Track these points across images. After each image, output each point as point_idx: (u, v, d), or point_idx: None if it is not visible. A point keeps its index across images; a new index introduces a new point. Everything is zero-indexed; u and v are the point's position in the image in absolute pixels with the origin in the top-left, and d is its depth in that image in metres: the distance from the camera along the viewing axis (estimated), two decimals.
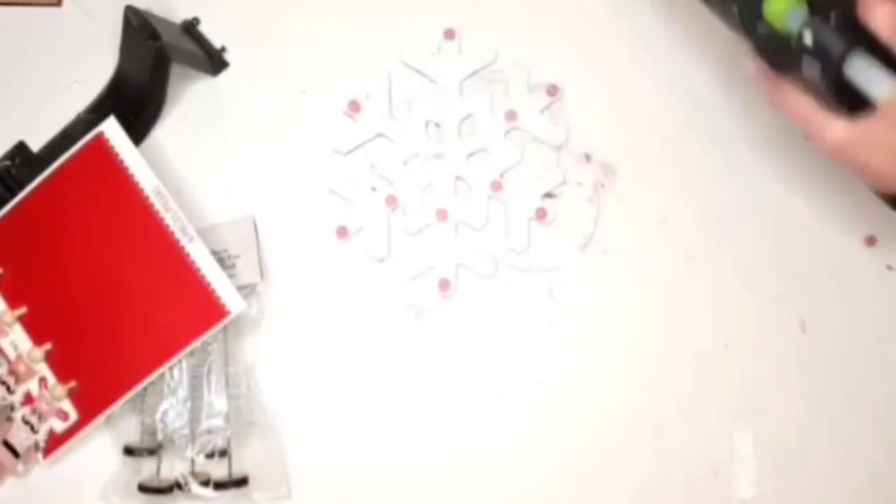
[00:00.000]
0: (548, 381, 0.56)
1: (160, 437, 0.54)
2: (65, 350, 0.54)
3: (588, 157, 0.58)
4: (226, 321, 0.53)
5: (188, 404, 0.54)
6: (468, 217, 0.57)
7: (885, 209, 0.57)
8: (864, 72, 0.41)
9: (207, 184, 0.58)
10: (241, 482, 0.53)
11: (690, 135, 0.57)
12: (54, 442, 0.54)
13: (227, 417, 0.54)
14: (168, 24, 0.58)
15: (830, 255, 0.56)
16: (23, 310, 0.55)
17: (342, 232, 0.57)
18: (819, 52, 0.41)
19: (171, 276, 0.53)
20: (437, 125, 0.58)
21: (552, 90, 0.58)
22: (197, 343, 0.53)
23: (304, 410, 0.56)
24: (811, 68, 0.42)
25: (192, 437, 0.53)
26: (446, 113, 0.58)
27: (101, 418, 0.54)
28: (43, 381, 0.54)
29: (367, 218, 0.57)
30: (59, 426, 0.54)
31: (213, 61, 0.59)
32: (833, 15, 0.41)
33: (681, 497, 0.54)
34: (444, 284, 0.56)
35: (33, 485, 0.55)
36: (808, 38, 0.41)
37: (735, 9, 0.44)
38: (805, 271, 0.56)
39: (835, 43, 0.41)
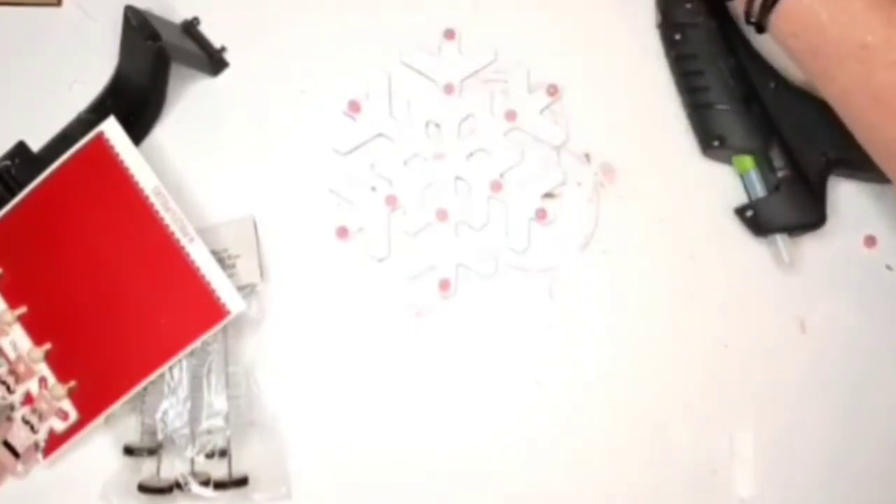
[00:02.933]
0: (547, 381, 0.56)
1: (160, 436, 0.54)
2: (65, 350, 0.54)
3: (588, 157, 0.58)
4: (226, 321, 0.53)
5: (188, 404, 0.54)
6: (468, 217, 0.57)
7: (885, 209, 0.57)
8: None
9: (207, 184, 0.58)
10: (241, 482, 0.53)
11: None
12: (54, 442, 0.54)
13: (227, 417, 0.54)
14: (168, 24, 0.58)
15: (830, 255, 0.56)
16: (23, 309, 0.55)
17: (342, 232, 0.57)
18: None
19: (171, 276, 0.53)
20: (437, 125, 0.58)
21: (552, 90, 0.58)
22: (197, 343, 0.53)
23: (304, 410, 0.56)
24: None
25: (192, 437, 0.53)
26: (446, 113, 0.58)
27: (101, 418, 0.54)
28: (43, 380, 0.54)
29: (367, 218, 0.57)
30: (59, 426, 0.54)
31: (213, 61, 0.59)
32: None
33: (681, 497, 0.54)
34: (444, 284, 0.56)
35: (33, 485, 0.55)
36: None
37: None
38: (805, 271, 0.56)
39: None
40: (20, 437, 0.54)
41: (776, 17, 0.48)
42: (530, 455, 0.55)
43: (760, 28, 0.49)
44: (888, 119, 0.45)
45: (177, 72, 0.58)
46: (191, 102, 0.59)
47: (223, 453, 0.54)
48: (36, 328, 0.55)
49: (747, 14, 0.49)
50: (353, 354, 0.56)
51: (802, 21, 0.47)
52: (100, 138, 0.55)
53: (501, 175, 0.57)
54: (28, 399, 0.55)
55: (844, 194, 0.57)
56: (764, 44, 0.56)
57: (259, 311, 0.55)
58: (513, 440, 0.55)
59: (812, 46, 0.47)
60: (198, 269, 0.53)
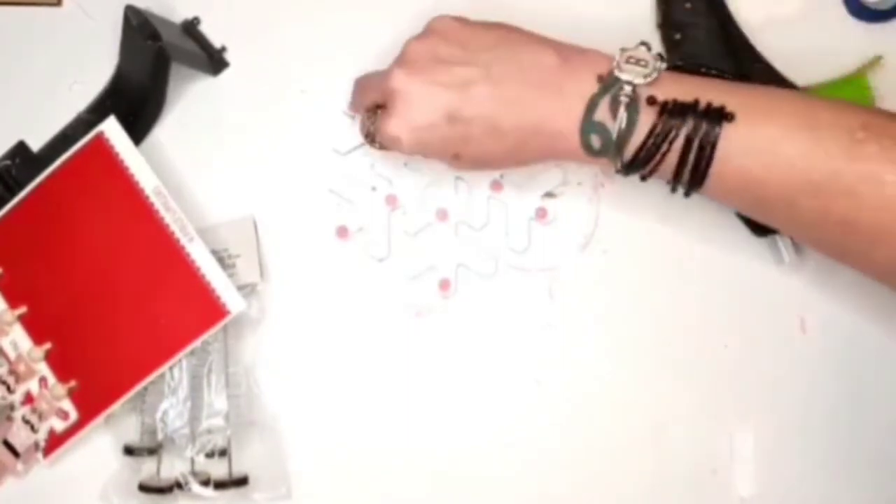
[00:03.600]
0: (547, 381, 0.56)
1: (160, 436, 0.54)
2: (65, 350, 0.54)
3: None
4: (226, 321, 0.53)
5: (188, 404, 0.54)
6: (468, 217, 0.57)
7: None
8: None
9: (207, 184, 0.58)
10: (241, 482, 0.53)
11: None
12: (54, 441, 0.54)
13: (227, 417, 0.54)
14: (168, 23, 0.58)
15: None
16: (23, 309, 0.55)
17: (342, 232, 0.57)
18: None
19: (171, 275, 0.53)
20: None
21: None
22: (197, 343, 0.53)
23: (304, 410, 0.56)
24: None
25: (192, 437, 0.54)
26: None
27: (101, 418, 0.54)
28: (43, 380, 0.54)
29: (367, 218, 0.57)
30: (60, 426, 0.54)
31: (213, 61, 0.59)
32: None
33: (681, 496, 0.54)
34: (444, 284, 0.56)
35: (33, 484, 0.55)
36: None
37: None
38: (805, 271, 0.56)
39: None
40: (20, 436, 0.54)
41: (707, 184, 0.45)
42: (530, 455, 0.55)
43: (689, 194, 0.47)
44: (861, 242, 0.43)
45: (177, 72, 0.58)
46: (191, 102, 0.59)
47: (223, 453, 0.54)
48: (36, 328, 0.55)
49: (673, 189, 0.47)
50: (353, 354, 0.56)
51: (736, 181, 0.44)
52: (100, 138, 0.55)
53: (501, 175, 0.57)
54: (28, 399, 0.55)
55: None
56: (765, 44, 0.56)
57: (259, 311, 0.56)
58: (513, 440, 0.55)
59: (754, 199, 0.45)
60: (198, 268, 0.53)
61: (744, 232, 0.56)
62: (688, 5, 0.56)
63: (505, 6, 0.59)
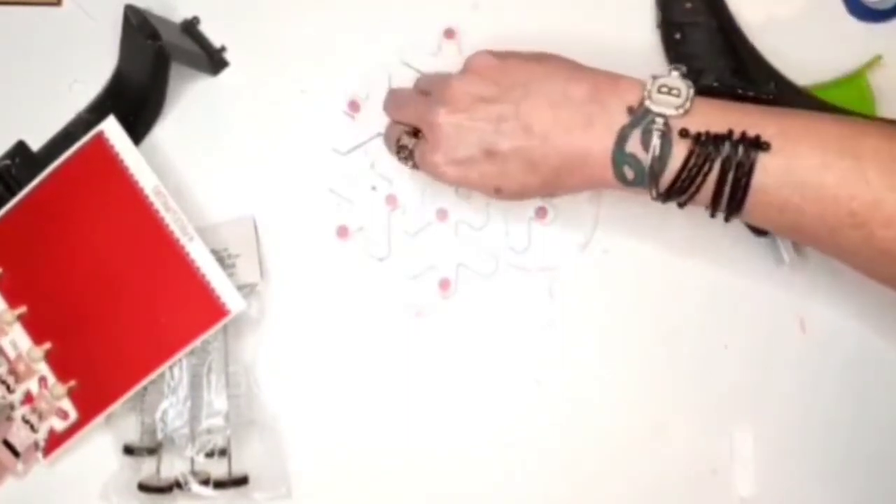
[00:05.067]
0: (547, 381, 0.56)
1: (160, 436, 0.54)
2: (65, 349, 0.54)
3: None
4: (226, 320, 0.53)
5: (188, 403, 0.54)
6: (468, 216, 0.57)
7: None
8: None
9: (207, 184, 0.58)
10: (241, 481, 0.53)
11: None
12: (54, 441, 0.54)
13: (226, 417, 0.54)
14: (168, 23, 0.58)
15: None
16: (23, 309, 0.55)
17: (342, 232, 0.57)
18: None
19: (171, 275, 0.53)
20: None
21: None
22: (197, 342, 0.53)
23: (304, 410, 0.56)
24: None
25: (192, 437, 0.54)
26: None
27: (100, 417, 0.54)
28: (43, 380, 0.54)
29: (367, 217, 0.57)
30: (59, 425, 0.54)
31: (213, 61, 0.59)
32: None
33: (681, 497, 0.54)
34: (445, 284, 0.56)
35: (33, 484, 0.55)
36: None
37: None
38: (805, 271, 0.56)
39: None
40: (20, 436, 0.54)
41: (745, 211, 0.44)
42: (530, 455, 0.55)
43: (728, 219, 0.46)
44: None
45: (177, 71, 0.58)
46: (191, 102, 0.59)
47: (223, 452, 0.54)
48: (36, 328, 0.55)
49: (712, 214, 0.46)
50: (353, 354, 0.56)
51: (775, 210, 0.43)
52: (99, 138, 0.55)
53: None
54: (28, 398, 0.55)
55: None
56: (765, 44, 0.56)
57: (259, 311, 0.56)
58: (513, 440, 0.55)
59: (795, 226, 0.44)
60: (198, 268, 0.53)
61: (744, 232, 0.56)
62: (688, 5, 0.56)
63: (508, 4, 0.59)
